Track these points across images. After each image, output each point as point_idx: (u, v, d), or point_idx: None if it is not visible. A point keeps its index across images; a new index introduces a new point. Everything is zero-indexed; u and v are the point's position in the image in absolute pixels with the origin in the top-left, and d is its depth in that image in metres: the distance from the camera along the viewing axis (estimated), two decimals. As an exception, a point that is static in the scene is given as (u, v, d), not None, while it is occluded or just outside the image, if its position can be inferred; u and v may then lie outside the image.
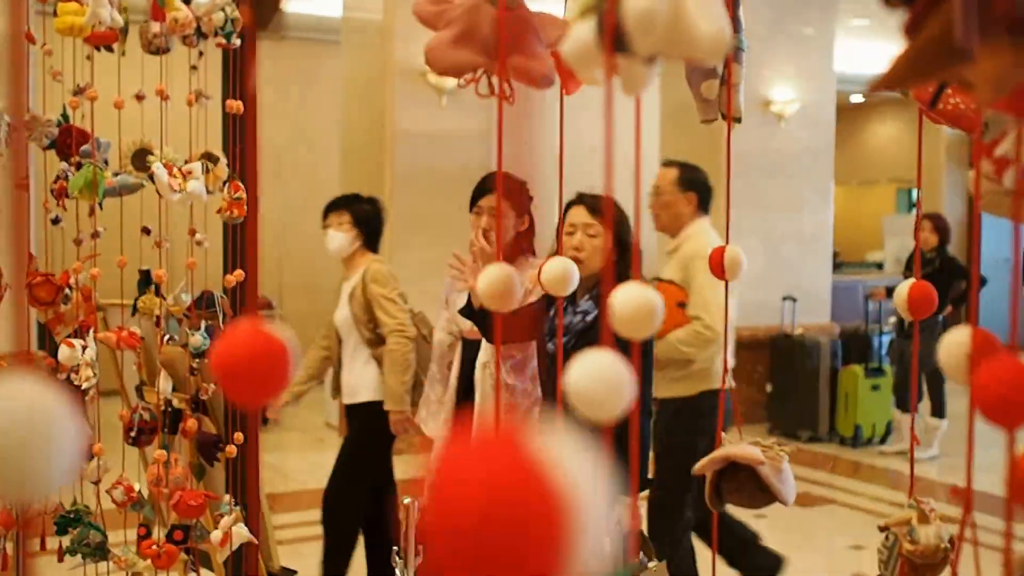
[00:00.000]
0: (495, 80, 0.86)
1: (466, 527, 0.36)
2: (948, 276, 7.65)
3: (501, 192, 3.06)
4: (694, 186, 4.36)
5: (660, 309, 0.86)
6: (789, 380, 8.41)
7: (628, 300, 0.84)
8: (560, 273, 1.00)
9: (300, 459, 7.73)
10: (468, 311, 3.10)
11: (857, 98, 14.29)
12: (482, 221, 3.41)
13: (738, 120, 0.94)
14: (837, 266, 10.96)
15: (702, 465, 1.47)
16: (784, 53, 8.74)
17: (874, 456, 7.88)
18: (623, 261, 2.99)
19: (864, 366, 8.23)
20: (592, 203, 3.12)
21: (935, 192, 13.34)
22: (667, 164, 4.52)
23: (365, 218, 4.50)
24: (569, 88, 1.02)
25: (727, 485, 1.60)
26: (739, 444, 1.43)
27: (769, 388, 8.61)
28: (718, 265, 1.20)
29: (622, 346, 1.03)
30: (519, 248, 3.48)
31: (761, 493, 1.59)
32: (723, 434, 1.42)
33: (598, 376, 0.71)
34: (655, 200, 4.38)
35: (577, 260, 3.02)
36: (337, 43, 9.27)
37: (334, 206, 4.53)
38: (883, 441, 8.18)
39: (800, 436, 8.31)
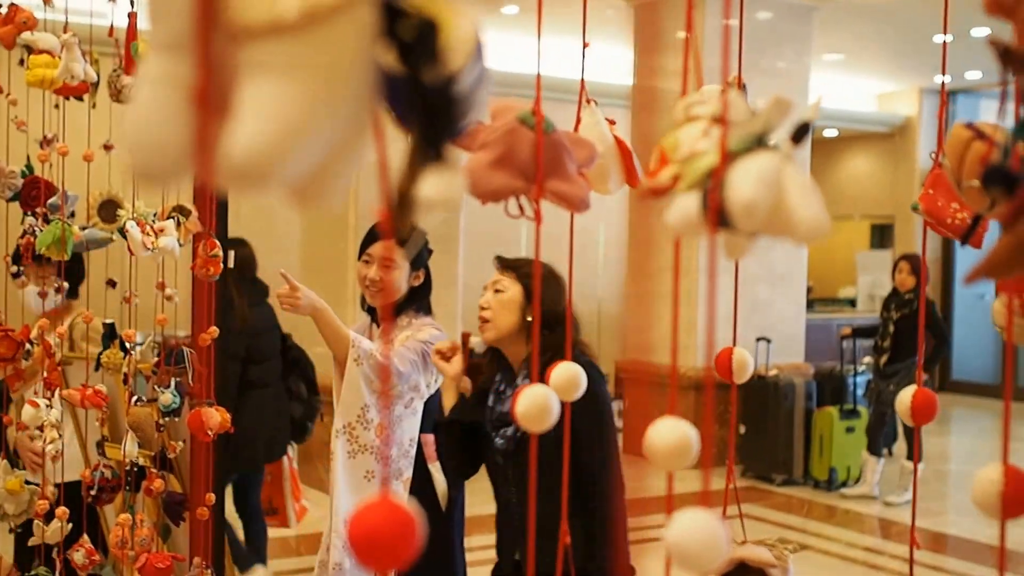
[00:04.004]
0: (524, 201, 0.91)
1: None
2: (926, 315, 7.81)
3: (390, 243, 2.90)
4: None
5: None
6: (763, 422, 8.50)
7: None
8: (567, 379, 1.05)
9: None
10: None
11: (831, 132, 14.54)
12: (371, 271, 3.27)
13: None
14: (810, 303, 11.11)
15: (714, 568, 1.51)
16: (758, 87, 8.85)
17: (849, 500, 7.96)
18: (552, 331, 2.65)
19: (839, 407, 8.34)
20: (505, 261, 2.91)
21: (909, 228, 13.58)
22: None
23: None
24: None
25: None
26: (749, 546, 1.49)
27: (742, 430, 8.70)
28: (725, 366, 1.25)
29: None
30: (410, 304, 3.35)
31: None
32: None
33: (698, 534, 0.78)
34: None
35: (484, 320, 2.82)
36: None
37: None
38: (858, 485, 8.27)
39: (774, 479, 8.40)
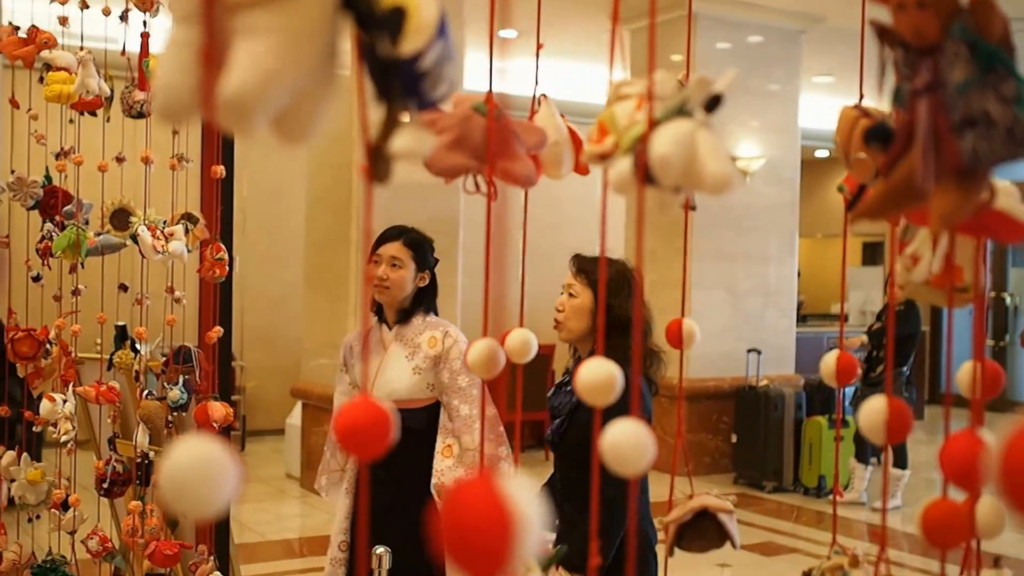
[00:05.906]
0: (480, 179, 1.05)
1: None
2: (911, 326, 7.96)
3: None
4: None
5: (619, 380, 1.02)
6: (754, 431, 8.62)
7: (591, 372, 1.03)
8: (520, 343, 1.17)
9: (259, 510, 7.78)
10: None
11: (822, 153, 14.68)
12: (379, 270, 3.37)
13: (693, 208, 1.16)
14: (802, 318, 11.22)
15: (678, 515, 1.63)
16: (749, 109, 9.05)
17: (838, 507, 8.03)
18: (621, 335, 2.72)
19: (828, 417, 8.45)
20: (579, 263, 2.96)
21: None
22: None
23: None
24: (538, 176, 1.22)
25: (691, 532, 1.81)
26: (705, 495, 1.63)
27: (734, 438, 8.81)
28: (675, 336, 1.38)
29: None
30: (418, 305, 3.45)
31: (718, 539, 1.81)
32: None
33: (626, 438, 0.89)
34: None
35: (557, 321, 2.90)
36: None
37: None
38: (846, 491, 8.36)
39: (765, 487, 8.50)
